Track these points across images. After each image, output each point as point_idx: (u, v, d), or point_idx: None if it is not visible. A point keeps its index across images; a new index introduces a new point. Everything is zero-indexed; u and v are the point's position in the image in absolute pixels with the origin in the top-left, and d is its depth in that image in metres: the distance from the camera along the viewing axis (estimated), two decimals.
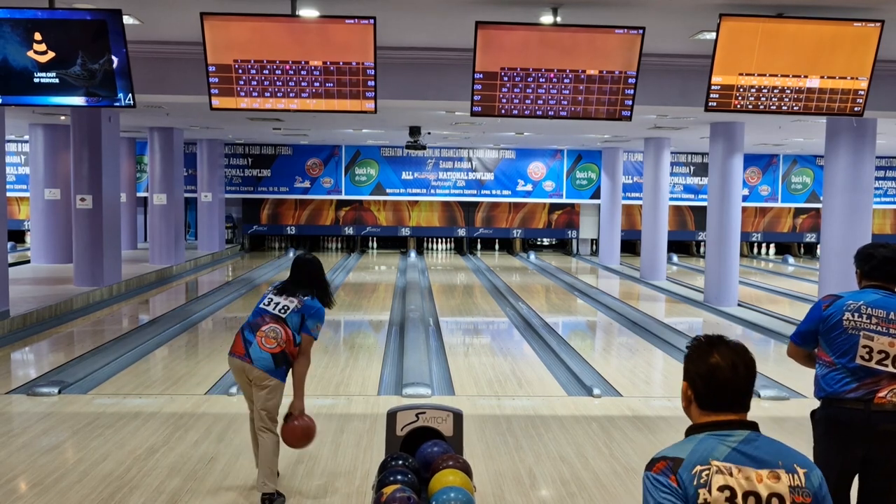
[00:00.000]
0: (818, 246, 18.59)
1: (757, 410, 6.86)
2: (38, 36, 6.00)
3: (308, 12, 6.11)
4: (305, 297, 4.54)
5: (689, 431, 2.08)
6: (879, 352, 3.28)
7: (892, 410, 3.25)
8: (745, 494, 1.93)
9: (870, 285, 3.45)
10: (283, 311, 4.50)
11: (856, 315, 3.34)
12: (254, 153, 21.47)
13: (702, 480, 1.94)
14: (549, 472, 5.21)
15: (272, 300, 4.57)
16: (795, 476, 1.96)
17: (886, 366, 3.27)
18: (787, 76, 6.34)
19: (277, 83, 6.29)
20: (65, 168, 15.63)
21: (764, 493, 1.93)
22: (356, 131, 17.22)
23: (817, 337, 3.45)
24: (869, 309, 3.34)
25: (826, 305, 3.44)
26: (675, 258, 21.09)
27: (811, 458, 2.03)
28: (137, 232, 20.49)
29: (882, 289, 3.41)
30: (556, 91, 6.38)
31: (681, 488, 1.94)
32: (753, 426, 2.05)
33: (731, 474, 1.94)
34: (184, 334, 10.01)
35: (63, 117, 14.48)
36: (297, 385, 4.55)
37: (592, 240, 22.63)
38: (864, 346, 3.30)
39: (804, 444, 6.20)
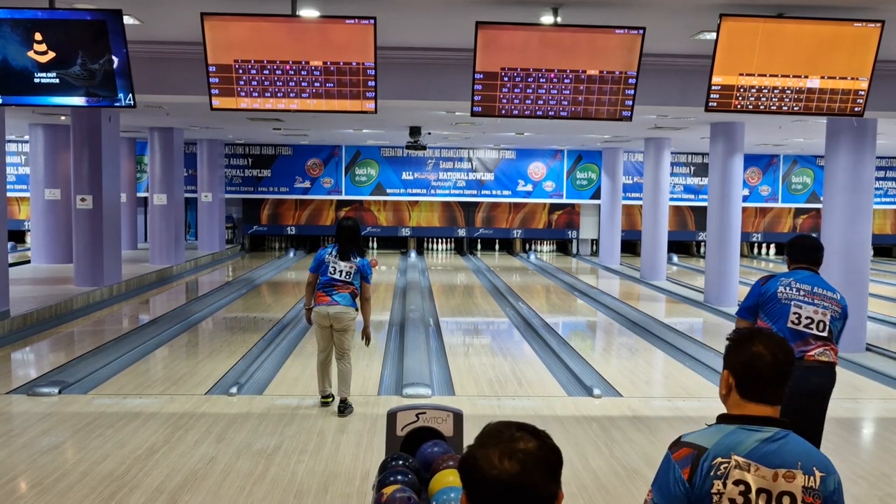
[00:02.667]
0: None
1: None
2: (38, 36, 6.00)
3: (308, 12, 6.10)
4: (356, 259, 6.34)
5: (722, 419, 2.13)
6: (806, 318, 4.09)
7: (819, 366, 4.13)
8: (759, 490, 1.99)
9: (798, 267, 4.28)
10: (347, 276, 6.30)
11: (787, 289, 4.16)
12: (254, 153, 21.46)
13: (719, 472, 2.00)
14: None
15: (336, 267, 6.29)
16: (811, 478, 2.01)
17: (811, 329, 4.09)
18: (788, 76, 6.34)
19: (277, 83, 6.29)
20: (65, 168, 15.63)
21: (775, 492, 1.99)
22: (356, 131, 17.22)
23: (758, 310, 4.20)
24: (798, 284, 4.16)
25: (763, 282, 4.28)
26: (675, 258, 21.09)
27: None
28: (137, 232, 20.48)
29: (808, 270, 4.27)
30: (556, 91, 6.38)
31: (691, 480, 2.02)
32: (785, 424, 2.10)
33: (748, 470, 2.00)
34: (184, 334, 10.01)
35: (63, 117, 14.48)
36: (366, 318, 6.48)
37: (593, 240, 22.63)
38: (794, 313, 4.10)
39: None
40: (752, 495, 1.99)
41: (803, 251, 4.34)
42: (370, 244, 23.11)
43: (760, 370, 2.11)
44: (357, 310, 6.40)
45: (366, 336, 6.50)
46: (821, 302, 4.13)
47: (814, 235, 4.57)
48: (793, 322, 4.10)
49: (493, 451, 1.56)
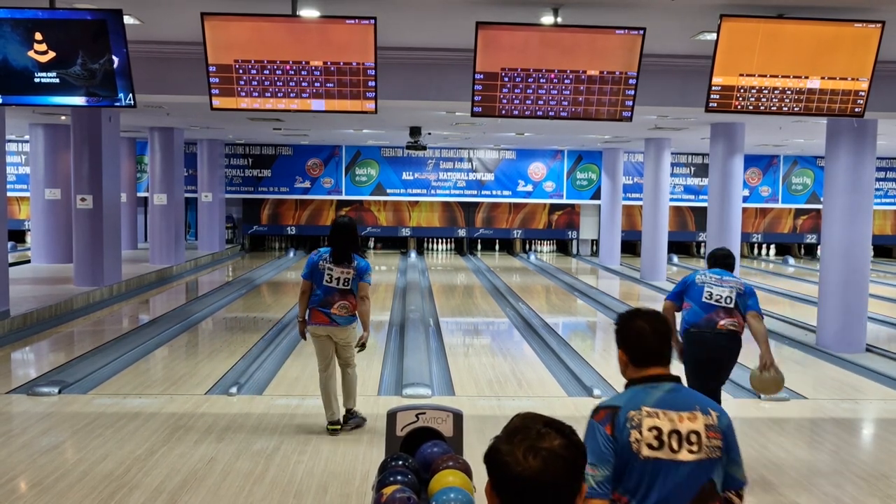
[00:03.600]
0: (818, 247, 18.61)
1: (756, 412, 6.87)
2: (38, 36, 6.00)
3: (308, 12, 6.10)
4: (354, 263, 5.78)
5: (628, 384, 2.53)
6: (717, 295, 5.35)
7: (727, 333, 5.31)
8: (670, 432, 2.37)
9: (712, 267, 5.58)
10: (345, 283, 5.75)
11: (703, 277, 5.48)
12: (254, 153, 21.46)
13: (634, 423, 2.37)
14: None
15: (332, 275, 5.75)
16: (710, 417, 2.41)
17: (720, 303, 5.32)
18: (788, 77, 6.34)
19: (278, 83, 6.28)
20: (65, 168, 15.63)
21: (684, 431, 2.37)
22: (356, 131, 17.22)
23: (683, 296, 5.46)
24: (710, 274, 5.47)
25: (686, 277, 5.59)
26: (675, 259, 21.09)
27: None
28: (137, 232, 20.48)
29: (720, 268, 5.53)
30: (556, 91, 6.38)
31: (613, 434, 2.37)
32: (676, 379, 2.49)
33: (658, 417, 2.38)
34: (184, 334, 10.01)
35: (63, 117, 14.48)
36: (364, 321, 5.86)
37: (593, 240, 22.63)
38: (707, 292, 5.38)
39: (805, 444, 6.22)
40: (665, 437, 2.35)
41: (717, 259, 5.62)
42: (370, 244, 23.09)
43: (646, 341, 2.50)
44: (356, 321, 5.86)
45: (361, 343, 5.84)
46: (727, 284, 5.40)
47: (726, 248, 5.87)
48: (706, 298, 5.35)
49: (518, 447, 1.59)
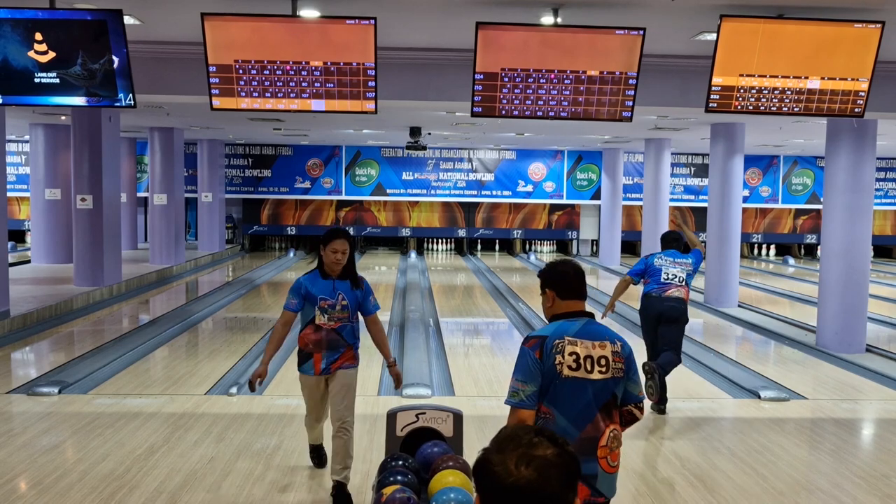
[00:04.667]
0: (818, 247, 18.61)
1: (756, 412, 6.87)
2: (38, 36, 6.00)
3: (308, 13, 6.10)
4: (356, 290, 4.66)
5: (554, 318, 3.06)
6: (672, 274, 6.65)
7: (673, 299, 6.59)
8: (585, 357, 2.93)
9: (666, 248, 6.86)
10: (343, 310, 4.64)
11: (660, 259, 6.77)
12: (254, 153, 21.47)
13: (558, 349, 2.92)
14: None
15: (325, 315, 4.58)
16: (615, 345, 2.99)
17: (673, 281, 6.64)
18: (788, 77, 6.34)
19: (278, 83, 6.29)
20: (65, 168, 15.63)
21: (596, 356, 2.94)
22: (356, 132, 17.22)
23: (644, 275, 6.77)
24: (665, 257, 6.77)
25: (647, 258, 6.86)
26: None
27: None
28: (137, 232, 20.48)
29: (671, 248, 6.83)
30: (556, 92, 6.38)
31: (541, 358, 2.92)
32: (591, 315, 3.08)
33: (577, 345, 2.94)
34: (184, 334, 10.01)
35: (63, 117, 14.49)
36: (385, 349, 4.82)
37: (593, 240, 22.63)
38: (665, 273, 6.68)
39: (806, 445, 6.22)
40: (581, 360, 2.92)
41: (669, 241, 6.92)
42: (369, 244, 23.10)
43: (571, 278, 3.10)
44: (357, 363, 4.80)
45: (395, 376, 4.80)
46: (679, 265, 6.71)
47: (674, 231, 7.13)
48: (664, 278, 6.65)
49: (510, 457, 1.53)
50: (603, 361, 2.94)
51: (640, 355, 10.03)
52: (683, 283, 6.66)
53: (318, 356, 4.62)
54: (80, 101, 6.24)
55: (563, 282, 3.10)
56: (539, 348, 2.93)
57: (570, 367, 2.90)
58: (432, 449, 3.80)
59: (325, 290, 4.58)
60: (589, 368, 2.92)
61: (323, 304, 4.56)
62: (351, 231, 22.05)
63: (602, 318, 6.32)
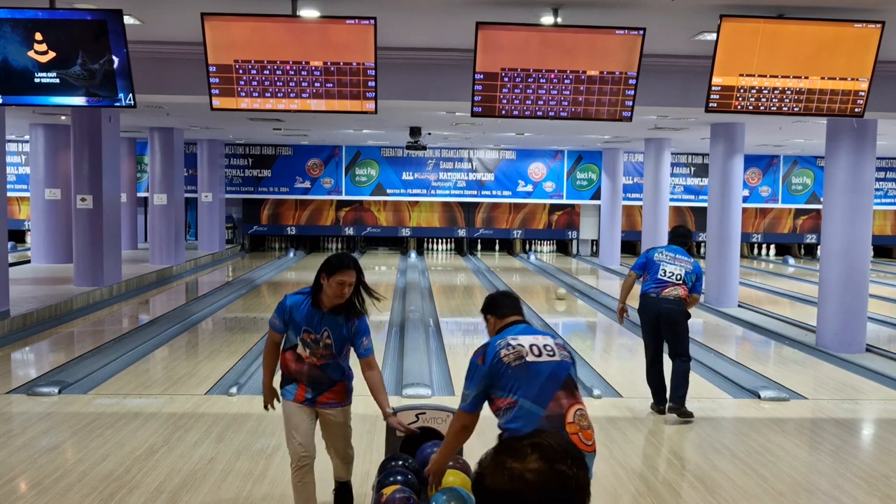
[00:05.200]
0: (818, 247, 18.60)
1: (757, 412, 6.87)
2: (38, 36, 6.00)
3: (308, 13, 6.10)
4: (352, 323, 3.95)
5: (498, 332, 3.42)
6: (669, 272, 6.48)
7: (671, 299, 6.41)
8: (531, 345, 3.25)
9: (671, 243, 6.74)
10: (327, 350, 3.96)
11: (660, 255, 6.60)
12: (254, 153, 21.46)
13: (501, 346, 3.24)
14: None
15: (307, 348, 3.95)
16: (555, 338, 3.37)
17: (671, 279, 6.46)
18: (788, 77, 6.34)
19: (278, 83, 6.29)
20: (65, 168, 15.63)
21: (540, 344, 3.27)
22: (356, 132, 17.22)
23: (645, 268, 6.61)
24: (665, 252, 6.62)
25: (648, 252, 6.72)
26: None
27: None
28: (137, 232, 20.48)
29: (676, 244, 6.70)
30: (556, 92, 6.38)
31: (484, 361, 3.24)
32: (527, 322, 3.51)
33: (518, 340, 3.27)
34: (184, 334, 10.01)
35: (63, 117, 14.48)
36: (381, 398, 4.02)
37: (593, 240, 22.63)
38: (662, 270, 6.50)
39: (805, 445, 6.22)
40: (527, 350, 3.22)
41: (674, 236, 6.80)
42: (367, 244, 23.09)
43: (500, 299, 3.58)
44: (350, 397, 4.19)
45: (402, 428, 3.97)
46: (678, 263, 6.52)
47: (685, 226, 7.13)
48: (661, 275, 6.47)
49: (494, 460, 1.55)
50: (548, 348, 3.26)
51: (641, 354, 10.01)
52: (681, 282, 6.43)
53: (302, 385, 4.02)
54: (80, 101, 6.24)
55: (494, 304, 3.56)
56: (482, 354, 3.27)
57: (516, 358, 3.20)
58: (432, 449, 3.80)
59: (310, 321, 3.90)
60: (537, 354, 3.23)
61: (305, 337, 3.92)
62: (351, 231, 22.09)
63: (620, 322, 6.91)
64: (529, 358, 3.20)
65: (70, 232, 13.78)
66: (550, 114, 6.45)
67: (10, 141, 19.30)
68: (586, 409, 3.24)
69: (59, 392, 6.90)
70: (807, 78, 6.35)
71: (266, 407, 4.23)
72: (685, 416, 6.41)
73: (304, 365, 3.99)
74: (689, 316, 6.54)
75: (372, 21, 6.01)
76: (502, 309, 3.52)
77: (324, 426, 4.21)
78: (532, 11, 6.18)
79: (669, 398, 6.51)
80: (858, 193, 9.25)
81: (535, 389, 3.14)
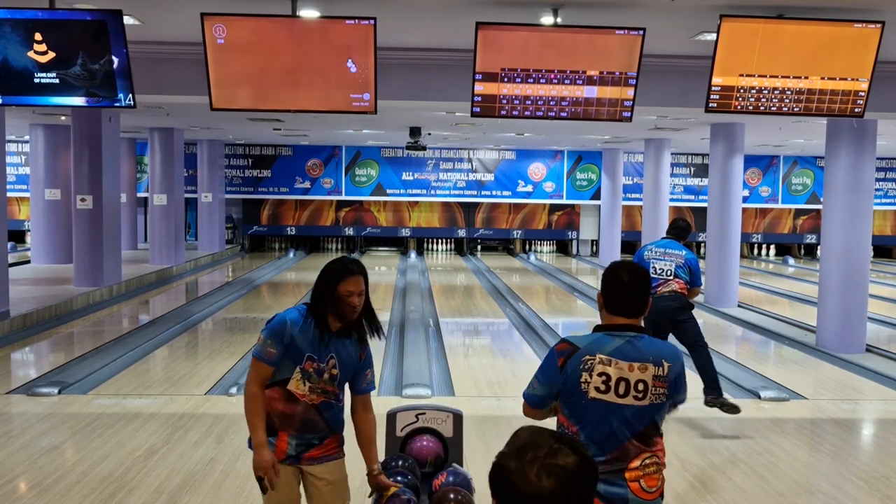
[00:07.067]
0: (818, 247, 18.59)
1: (756, 412, 6.86)
2: (38, 36, 6.00)
3: (308, 13, 6.10)
4: (336, 371, 3.16)
5: (595, 329, 2.75)
6: (659, 269, 6.29)
7: (666, 295, 6.22)
8: (618, 380, 2.60)
9: (664, 238, 6.56)
10: (332, 383, 3.16)
11: (651, 253, 6.39)
12: (254, 154, 21.46)
13: (586, 366, 2.62)
14: None
15: (306, 382, 3.11)
16: (660, 368, 2.63)
17: (661, 275, 6.27)
18: (788, 77, 6.34)
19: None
20: (65, 168, 15.63)
21: (633, 380, 2.60)
22: (356, 132, 17.22)
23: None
24: (655, 248, 6.42)
25: (640, 250, 6.54)
26: None
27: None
28: (137, 232, 20.48)
29: (669, 238, 6.51)
30: (556, 92, 6.37)
31: (563, 369, 2.65)
32: (642, 329, 2.73)
33: (609, 365, 2.61)
34: (184, 335, 10.01)
35: (63, 117, 14.48)
36: (370, 453, 3.43)
37: (593, 241, 22.63)
38: (653, 267, 6.27)
39: (805, 445, 6.22)
40: (612, 383, 2.60)
41: (669, 229, 6.65)
42: (368, 244, 23.07)
43: (619, 288, 2.73)
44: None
45: (380, 487, 3.39)
46: (668, 258, 6.33)
47: (684, 218, 6.92)
48: (652, 273, 6.20)
49: (530, 466, 1.47)
50: (640, 386, 2.61)
51: None
52: (672, 276, 6.23)
53: (285, 435, 3.13)
54: (79, 101, 6.23)
55: (614, 291, 2.75)
56: (566, 357, 2.66)
57: (597, 389, 2.61)
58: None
59: (314, 346, 3.09)
60: (621, 392, 2.60)
61: (308, 367, 3.08)
62: (351, 231, 22.07)
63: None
64: (609, 396, 2.61)
65: (70, 232, 13.77)
66: (550, 114, 6.44)
67: (10, 141, 19.30)
68: (661, 449, 2.71)
69: (59, 392, 6.90)
70: (807, 78, 6.35)
71: (264, 488, 3.09)
72: (728, 409, 6.18)
73: (299, 406, 3.10)
74: (691, 306, 6.35)
75: (372, 21, 6.00)
76: (615, 302, 2.73)
77: (313, 497, 3.25)
78: (532, 11, 6.17)
79: (704, 392, 6.29)
80: (858, 193, 9.25)
81: (603, 433, 2.62)
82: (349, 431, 3.34)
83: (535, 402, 2.76)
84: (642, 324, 2.79)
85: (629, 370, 2.61)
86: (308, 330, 3.10)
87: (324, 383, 3.13)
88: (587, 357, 2.62)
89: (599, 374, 2.60)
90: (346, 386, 3.24)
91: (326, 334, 3.11)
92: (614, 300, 2.73)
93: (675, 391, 2.70)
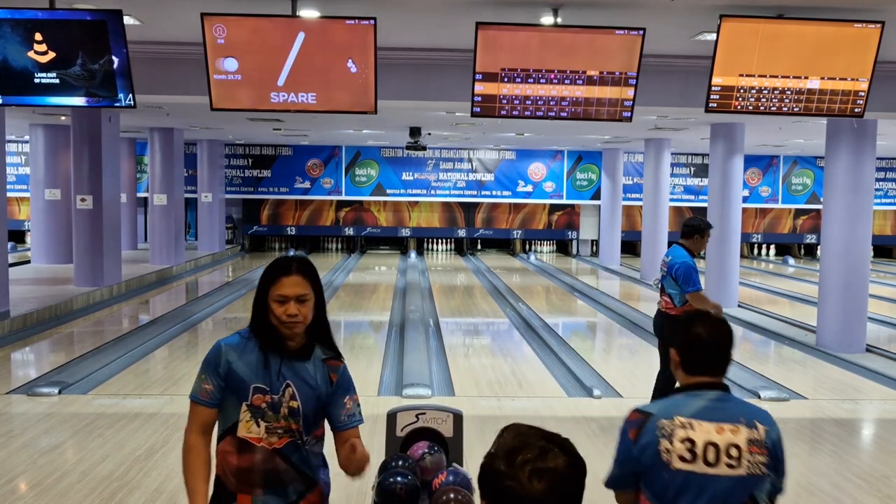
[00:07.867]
0: (818, 247, 18.60)
1: None
2: (38, 36, 6.00)
3: (308, 13, 6.10)
4: (296, 402, 2.46)
5: (676, 391, 2.40)
6: (656, 281, 6.20)
7: (657, 311, 6.09)
8: (706, 444, 2.21)
9: (676, 242, 6.12)
10: (293, 422, 2.48)
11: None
12: (254, 154, 21.46)
13: (665, 432, 2.23)
14: None
15: (257, 421, 2.43)
16: (755, 431, 2.26)
17: (656, 287, 6.17)
18: (788, 77, 6.34)
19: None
20: (65, 168, 15.63)
21: (723, 444, 2.21)
22: (356, 132, 17.22)
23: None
24: (663, 258, 6.05)
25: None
26: None
27: None
28: (137, 232, 20.48)
29: (676, 243, 6.09)
30: (556, 92, 6.37)
31: (637, 441, 2.25)
32: (725, 388, 2.33)
33: (692, 428, 2.22)
34: (184, 335, 10.01)
35: (63, 117, 14.48)
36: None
37: (593, 241, 22.63)
38: (656, 279, 6.42)
39: (806, 445, 6.22)
40: (699, 449, 2.20)
41: (680, 231, 6.17)
42: (368, 244, 23.05)
43: (700, 350, 2.33)
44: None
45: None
46: (661, 268, 6.00)
47: (696, 217, 6.38)
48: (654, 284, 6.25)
49: (521, 470, 1.47)
50: (734, 452, 2.22)
51: (641, 355, 10.02)
52: (661, 289, 6.08)
53: (247, 500, 2.42)
54: (79, 101, 6.23)
55: (691, 350, 2.35)
56: (638, 427, 2.27)
57: (682, 458, 2.21)
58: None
59: (260, 375, 2.42)
60: (711, 460, 2.21)
61: (257, 402, 2.41)
62: (351, 231, 22.05)
63: None
64: (696, 466, 2.21)
65: (70, 232, 13.78)
66: (550, 114, 6.44)
67: (10, 141, 19.29)
68: None
69: (59, 392, 6.90)
70: (807, 78, 6.35)
71: None
72: None
73: (255, 454, 2.40)
74: (665, 332, 5.94)
75: (372, 21, 6.00)
76: (692, 360, 2.34)
77: None
78: (532, 11, 6.17)
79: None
80: (858, 193, 9.25)
81: None
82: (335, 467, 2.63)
83: (617, 483, 2.34)
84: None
85: (717, 432, 2.22)
86: (253, 355, 2.42)
87: (281, 421, 2.41)
88: (663, 422, 2.24)
89: (682, 441, 2.21)
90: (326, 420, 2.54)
91: (274, 357, 2.42)
92: (691, 358, 2.34)
93: (776, 464, 2.35)
